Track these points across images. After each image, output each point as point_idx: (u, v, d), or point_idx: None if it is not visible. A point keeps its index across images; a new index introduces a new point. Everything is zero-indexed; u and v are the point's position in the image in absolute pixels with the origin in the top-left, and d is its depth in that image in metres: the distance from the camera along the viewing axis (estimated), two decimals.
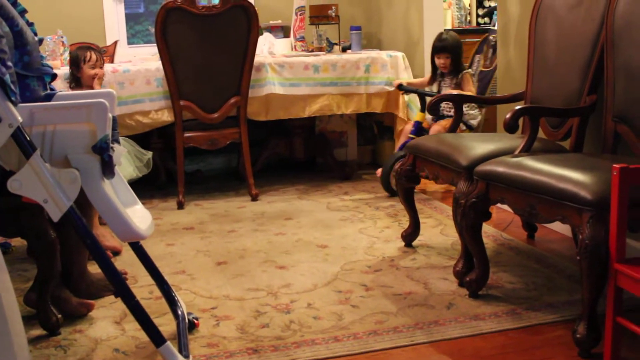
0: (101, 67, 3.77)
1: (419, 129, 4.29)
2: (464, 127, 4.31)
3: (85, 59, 3.64)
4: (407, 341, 2.30)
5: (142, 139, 4.35)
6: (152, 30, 4.50)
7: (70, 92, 3.21)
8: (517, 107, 2.74)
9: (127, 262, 3.02)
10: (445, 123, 4.13)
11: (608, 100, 2.75)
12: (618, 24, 2.72)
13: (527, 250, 3.18)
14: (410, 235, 3.29)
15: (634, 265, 1.99)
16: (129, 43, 5.36)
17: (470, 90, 4.31)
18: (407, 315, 2.50)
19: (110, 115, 2.06)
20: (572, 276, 2.80)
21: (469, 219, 2.58)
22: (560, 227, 3.35)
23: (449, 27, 5.73)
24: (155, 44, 4.05)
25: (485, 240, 2.75)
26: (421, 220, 3.33)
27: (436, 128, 4.23)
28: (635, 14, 2.65)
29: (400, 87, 4.51)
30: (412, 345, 2.28)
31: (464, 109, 4.05)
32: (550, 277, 2.83)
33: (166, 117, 4.23)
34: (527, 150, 2.72)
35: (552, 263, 2.99)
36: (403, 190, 3.22)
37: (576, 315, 2.33)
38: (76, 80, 3.70)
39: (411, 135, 4.23)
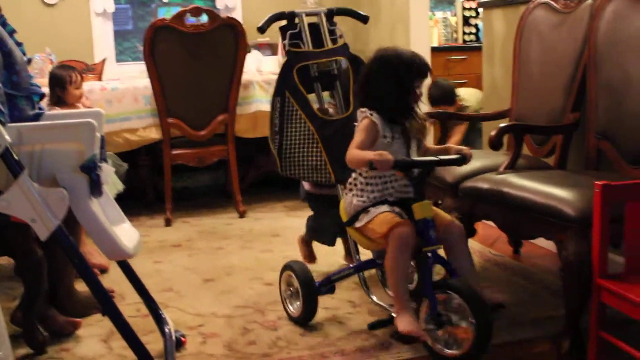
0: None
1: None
2: None
3: (71, 80, 3.63)
4: (394, 357, 2.32)
5: (130, 156, 4.35)
6: (141, 47, 4.52)
7: (59, 111, 3.21)
8: (502, 125, 2.78)
9: (114, 280, 3.02)
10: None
11: (591, 118, 2.78)
12: (600, 43, 2.76)
13: (513, 265, 3.20)
14: None
15: (617, 281, 2.01)
16: (117, 60, 5.38)
17: None
18: (394, 331, 2.51)
19: (98, 134, 2.08)
20: (557, 292, 2.82)
21: None
22: (545, 243, 3.38)
23: (435, 44, 5.77)
24: (144, 62, 4.07)
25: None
26: None
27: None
28: (617, 33, 2.69)
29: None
30: None
31: None
32: (536, 292, 2.85)
33: (154, 134, 4.24)
34: (512, 167, 2.75)
35: (538, 279, 3.01)
36: None
37: (561, 330, 2.35)
38: (58, 99, 3.67)
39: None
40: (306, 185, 3.11)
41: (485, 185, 2.52)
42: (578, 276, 2.10)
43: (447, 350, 2.18)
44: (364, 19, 3.11)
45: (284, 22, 3.33)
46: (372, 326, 2.44)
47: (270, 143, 2.88)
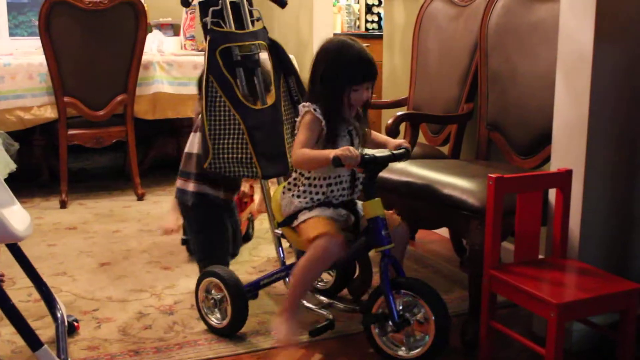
0: None
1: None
2: None
3: None
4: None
5: (24, 135, 4.21)
6: (36, 22, 4.37)
7: None
8: (399, 113, 2.84)
9: (5, 264, 2.92)
10: None
11: (482, 109, 2.89)
12: (491, 35, 2.86)
13: (408, 251, 3.28)
14: None
15: (505, 270, 2.09)
16: (11, 34, 5.17)
17: None
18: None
19: None
20: (449, 276, 2.93)
21: None
22: (438, 229, 3.48)
23: (338, 31, 5.83)
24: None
25: None
26: None
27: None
28: (506, 26, 2.80)
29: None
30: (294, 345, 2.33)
31: None
32: (429, 277, 2.94)
33: (49, 113, 4.11)
34: None
35: (431, 264, 3.11)
36: None
37: (454, 313, 2.42)
38: None
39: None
40: (191, 186, 2.73)
41: (385, 175, 2.53)
42: (482, 265, 2.13)
43: (412, 352, 2.10)
44: (282, 4, 2.86)
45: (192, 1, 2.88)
46: (314, 333, 2.28)
47: (207, 136, 2.47)
